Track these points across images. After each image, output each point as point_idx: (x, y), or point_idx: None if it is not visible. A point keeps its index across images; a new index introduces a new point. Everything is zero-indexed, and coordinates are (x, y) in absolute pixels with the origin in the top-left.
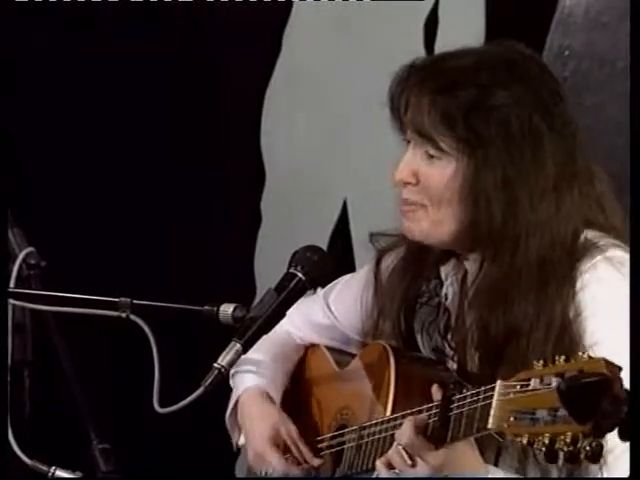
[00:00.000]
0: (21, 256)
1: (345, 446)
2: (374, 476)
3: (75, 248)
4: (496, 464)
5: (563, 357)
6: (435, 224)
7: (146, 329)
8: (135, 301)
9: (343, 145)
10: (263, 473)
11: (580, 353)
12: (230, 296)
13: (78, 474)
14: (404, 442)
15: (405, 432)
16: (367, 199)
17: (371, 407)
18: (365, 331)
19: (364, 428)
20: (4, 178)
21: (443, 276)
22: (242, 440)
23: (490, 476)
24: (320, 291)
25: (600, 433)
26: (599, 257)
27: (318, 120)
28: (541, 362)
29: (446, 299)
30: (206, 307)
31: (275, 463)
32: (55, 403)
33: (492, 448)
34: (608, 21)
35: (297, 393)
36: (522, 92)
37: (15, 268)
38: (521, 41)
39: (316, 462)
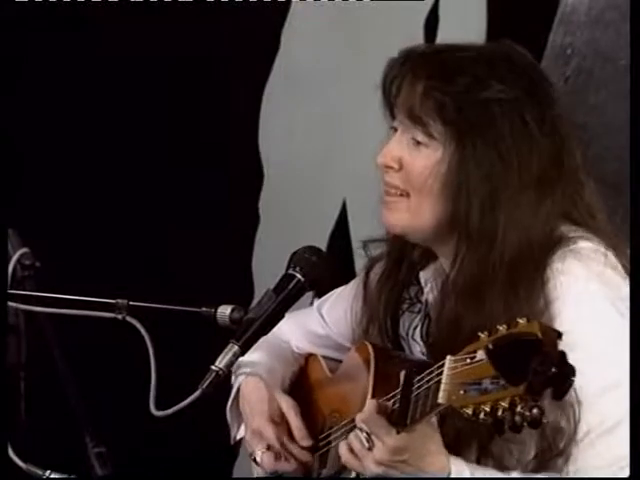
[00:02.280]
0: (15, 257)
1: (330, 446)
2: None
3: (70, 249)
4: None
5: (505, 325)
6: (415, 215)
7: (142, 331)
8: (131, 302)
9: (342, 145)
10: (258, 451)
11: (519, 319)
12: (228, 297)
13: (73, 478)
14: (363, 420)
15: (365, 412)
16: (366, 199)
17: (355, 406)
18: (356, 339)
19: (346, 425)
20: (3, 179)
21: (423, 282)
22: (240, 433)
23: (479, 476)
24: (315, 303)
25: (534, 393)
26: (567, 249)
27: (317, 119)
28: (486, 333)
29: (427, 305)
30: (203, 308)
31: (271, 439)
32: (50, 406)
33: (473, 448)
34: (611, 19)
35: (296, 402)
36: (518, 90)
37: (9, 269)
38: (523, 39)
39: (306, 442)
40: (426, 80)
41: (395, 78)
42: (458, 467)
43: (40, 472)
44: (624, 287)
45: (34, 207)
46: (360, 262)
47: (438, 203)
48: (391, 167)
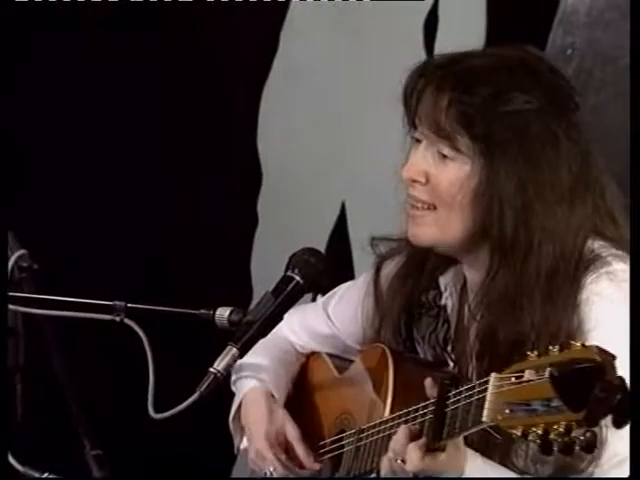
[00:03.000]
0: (13, 259)
1: (344, 450)
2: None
3: (68, 250)
4: None
5: (557, 347)
6: (444, 228)
7: (140, 333)
8: (129, 304)
9: (342, 146)
10: (263, 473)
11: (573, 342)
12: (226, 299)
13: None
14: (395, 450)
15: (397, 442)
16: (366, 201)
17: (370, 409)
18: (367, 340)
19: (362, 431)
20: (3, 179)
21: (442, 287)
22: (244, 444)
23: (491, 475)
24: (320, 300)
25: (593, 421)
26: (602, 270)
27: (316, 120)
28: (535, 353)
29: (445, 310)
30: (202, 311)
31: (275, 463)
32: (47, 408)
33: (500, 453)
34: (611, 19)
35: (299, 400)
36: (541, 97)
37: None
38: (522, 39)
39: (313, 465)
40: (450, 93)
41: (415, 90)
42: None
43: (37, 475)
44: None
45: (31, 208)
46: (360, 264)
47: (468, 216)
48: (417, 181)
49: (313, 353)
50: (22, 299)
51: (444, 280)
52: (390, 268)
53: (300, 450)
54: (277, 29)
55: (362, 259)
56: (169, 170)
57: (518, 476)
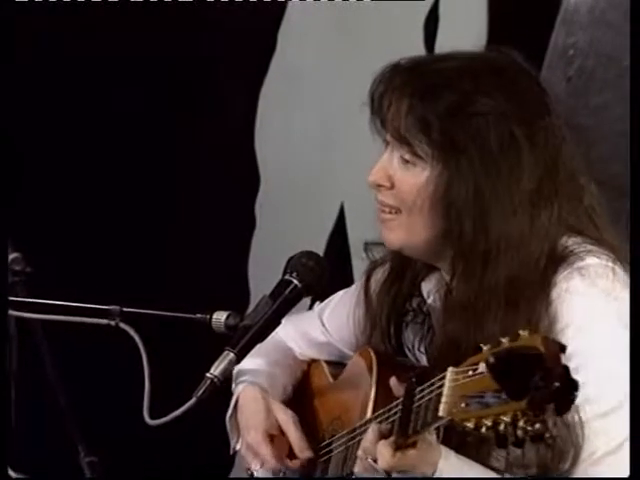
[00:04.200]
0: None
1: (332, 454)
2: None
3: (62, 254)
4: None
5: (508, 337)
6: (409, 232)
7: (136, 338)
8: (124, 309)
9: (340, 147)
10: (247, 471)
11: (522, 332)
12: (223, 303)
13: None
14: (365, 449)
15: (367, 441)
16: (365, 203)
17: (356, 414)
18: (359, 347)
19: (348, 434)
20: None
21: (425, 293)
22: (239, 444)
23: (467, 472)
24: (316, 307)
25: (536, 409)
26: (574, 266)
27: (314, 121)
28: (489, 345)
29: (430, 317)
30: (198, 315)
31: (266, 456)
32: (41, 414)
33: (479, 455)
34: (613, 19)
35: (299, 408)
36: (505, 102)
37: None
38: (524, 39)
39: (306, 454)
40: (409, 98)
41: (382, 94)
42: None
43: None
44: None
45: (24, 211)
46: (359, 267)
47: (429, 221)
48: (382, 185)
49: (313, 361)
50: (15, 303)
51: (426, 286)
52: (380, 274)
53: (292, 434)
54: (274, 29)
55: (361, 262)
56: (166, 172)
57: (495, 475)
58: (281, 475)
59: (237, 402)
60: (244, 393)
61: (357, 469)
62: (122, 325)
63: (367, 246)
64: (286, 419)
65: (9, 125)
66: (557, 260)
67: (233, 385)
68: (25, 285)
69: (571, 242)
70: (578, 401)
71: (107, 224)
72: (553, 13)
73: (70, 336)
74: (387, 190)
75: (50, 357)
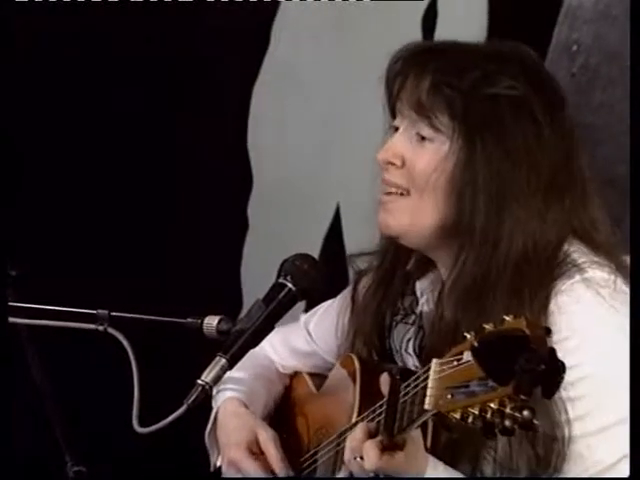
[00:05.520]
0: None
1: (317, 465)
2: None
3: (49, 256)
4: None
5: (491, 324)
6: (415, 216)
7: (125, 343)
8: (113, 313)
9: (336, 146)
10: None
11: (506, 317)
12: (215, 307)
13: None
14: (353, 448)
15: (355, 439)
16: (361, 204)
17: (341, 422)
18: (342, 354)
19: (334, 440)
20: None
21: (418, 292)
22: (220, 460)
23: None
24: (302, 318)
25: (523, 393)
26: (577, 277)
27: (309, 119)
28: (472, 333)
29: (421, 317)
30: (189, 319)
31: (249, 472)
32: (27, 422)
33: (468, 458)
34: (618, 14)
35: (282, 422)
36: (529, 86)
37: None
38: (526, 35)
39: (282, 472)
40: (434, 73)
41: (400, 72)
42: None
43: None
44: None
45: (9, 212)
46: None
47: (441, 202)
48: (392, 163)
49: (296, 373)
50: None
51: (421, 285)
52: (365, 281)
53: (272, 454)
54: (267, 26)
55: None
56: (154, 171)
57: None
58: None
59: (216, 417)
60: (224, 407)
61: (343, 472)
62: (110, 330)
63: (350, 258)
64: (266, 437)
65: (9, 125)
66: (560, 263)
67: (214, 392)
68: (10, 289)
69: (574, 249)
70: (580, 413)
71: (94, 225)
72: (556, 7)
73: (57, 341)
74: (397, 169)
75: (36, 363)
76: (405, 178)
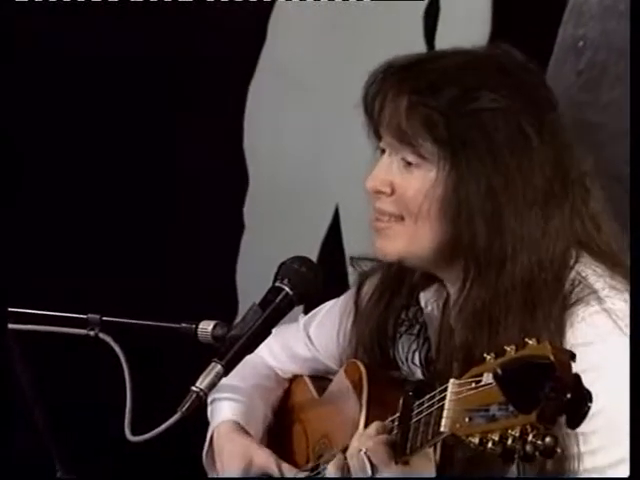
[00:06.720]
0: None
1: (319, 476)
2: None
3: (39, 260)
4: None
5: (513, 346)
6: (412, 240)
7: (117, 349)
8: (105, 318)
9: (334, 146)
10: None
11: (529, 340)
12: (210, 312)
13: None
14: (369, 448)
15: (370, 437)
16: (361, 205)
17: (346, 432)
18: (344, 361)
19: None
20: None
21: (423, 303)
22: None
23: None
24: (301, 320)
25: (547, 422)
26: (597, 307)
27: (307, 119)
28: (493, 354)
29: (426, 329)
30: (183, 324)
31: None
32: (16, 430)
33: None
34: (625, 9)
35: (282, 427)
36: (510, 97)
37: None
38: (531, 30)
39: None
40: (410, 94)
41: (377, 94)
42: None
43: None
44: None
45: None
46: (354, 273)
47: (437, 227)
48: (382, 192)
49: (295, 377)
50: None
51: (425, 296)
52: (369, 286)
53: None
54: (264, 23)
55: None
56: (148, 172)
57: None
58: None
59: (212, 439)
60: (218, 431)
61: (332, 469)
62: (102, 335)
63: (353, 261)
64: (265, 459)
65: (9, 125)
66: (575, 285)
67: (209, 398)
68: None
69: (586, 269)
70: (592, 447)
71: (87, 228)
72: (562, 3)
73: (47, 347)
74: (387, 197)
75: (25, 370)
76: (397, 205)
